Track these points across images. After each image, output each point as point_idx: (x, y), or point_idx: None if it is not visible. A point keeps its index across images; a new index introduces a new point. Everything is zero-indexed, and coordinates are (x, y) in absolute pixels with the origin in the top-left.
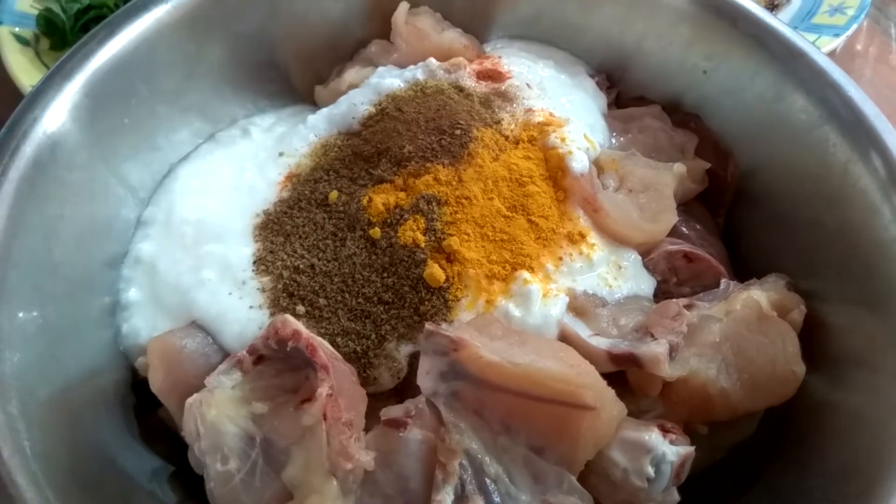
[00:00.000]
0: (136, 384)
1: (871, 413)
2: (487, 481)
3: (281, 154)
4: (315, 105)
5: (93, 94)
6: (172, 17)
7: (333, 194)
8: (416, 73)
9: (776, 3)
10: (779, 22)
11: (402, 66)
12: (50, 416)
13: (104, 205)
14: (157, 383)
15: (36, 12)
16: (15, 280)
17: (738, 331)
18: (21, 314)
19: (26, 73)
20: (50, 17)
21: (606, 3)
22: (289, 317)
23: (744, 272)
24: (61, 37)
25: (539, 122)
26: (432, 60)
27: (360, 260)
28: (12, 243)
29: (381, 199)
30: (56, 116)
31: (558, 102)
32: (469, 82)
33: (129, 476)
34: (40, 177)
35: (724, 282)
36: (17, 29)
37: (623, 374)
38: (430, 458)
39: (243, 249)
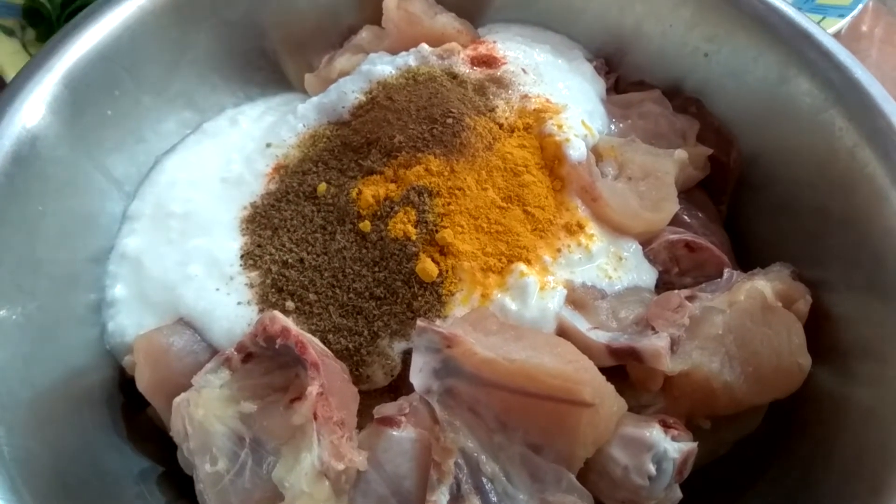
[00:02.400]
0: (123, 383)
1: (879, 406)
2: (484, 480)
3: (268, 145)
4: (306, 93)
5: (73, 86)
6: (156, 4)
7: (322, 186)
8: (408, 59)
9: None
10: (782, 2)
11: (393, 52)
12: (31, 418)
13: (88, 199)
14: (143, 382)
15: (21, 2)
16: None
17: (741, 322)
18: (2, 312)
19: (11, 65)
20: (36, 7)
21: None
22: (277, 313)
23: (748, 261)
24: (47, 27)
25: (535, 109)
26: (424, 46)
27: (350, 254)
28: None
29: (370, 191)
30: (35, 109)
31: (555, 88)
32: (463, 68)
33: (115, 478)
34: (20, 172)
35: (727, 272)
36: (1, 19)
37: (623, 368)
38: (425, 458)
39: (230, 244)
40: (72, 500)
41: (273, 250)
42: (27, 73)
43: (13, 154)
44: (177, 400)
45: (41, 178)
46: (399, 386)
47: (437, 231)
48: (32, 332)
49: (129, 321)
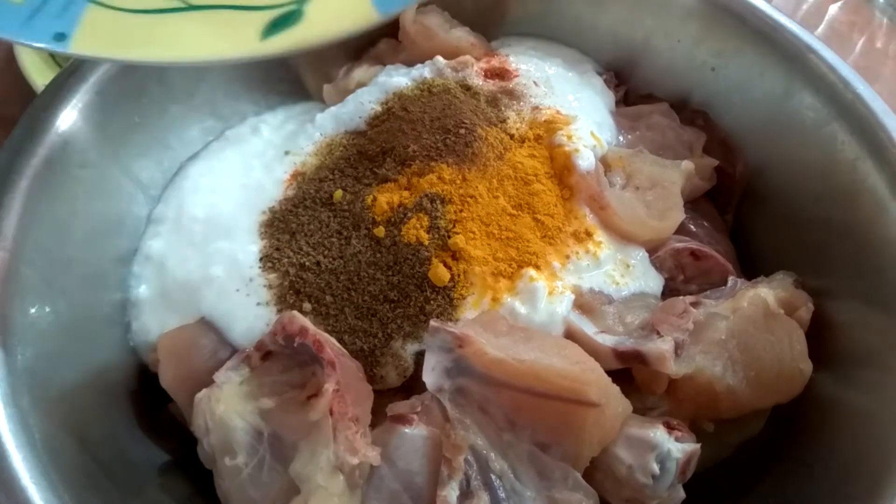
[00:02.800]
0: (147, 379)
1: (878, 411)
2: (493, 477)
3: (287, 152)
4: (325, 103)
5: (104, 94)
6: None
7: (338, 193)
8: (424, 71)
9: None
10: (788, 19)
11: (409, 64)
12: (61, 410)
13: (115, 202)
14: (166, 379)
15: None
16: (28, 276)
17: (744, 328)
18: (33, 310)
19: (40, 73)
20: None
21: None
22: (296, 313)
23: (752, 270)
24: None
25: (546, 120)
26: (440, 59)
27: (365, 258)
28: (25, 240)
29: (385, 198)
30: (68, 115)
31: (566, 100)
32: (476, 81)
33: (139, 469)
34: (52, 175)
35: (731, 279)
36: None
37: (629, 371)
38: (436, 454)
39: (250, 247)
40: (97, 489)
41: (291, 253)
42: (61, 81)
43: (47, 157)
44: (198, 396)
45: (72, 181)
46: (412, 386)
47: (449, 237)
48: (61, 329)
49: (153, 320)
